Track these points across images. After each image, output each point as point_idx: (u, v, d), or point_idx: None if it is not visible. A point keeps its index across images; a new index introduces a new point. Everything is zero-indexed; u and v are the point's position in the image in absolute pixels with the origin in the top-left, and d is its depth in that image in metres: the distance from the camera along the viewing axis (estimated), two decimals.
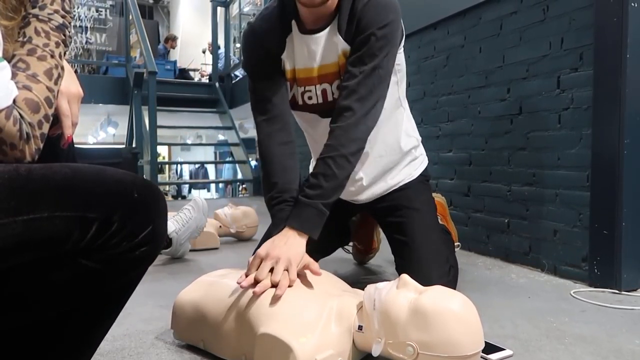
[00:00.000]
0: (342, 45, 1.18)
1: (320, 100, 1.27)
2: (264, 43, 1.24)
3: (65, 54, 0.74)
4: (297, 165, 1.23)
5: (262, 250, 1.01)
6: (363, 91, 1.13)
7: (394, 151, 1.37)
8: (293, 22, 1.22)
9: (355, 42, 1.15)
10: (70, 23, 0.75)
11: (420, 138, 1.49)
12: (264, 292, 0.93)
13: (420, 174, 1.43)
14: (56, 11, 0.72)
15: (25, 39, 0.69)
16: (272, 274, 0.96)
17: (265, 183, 1.21)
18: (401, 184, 1.39)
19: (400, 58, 1.28)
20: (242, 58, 1.28)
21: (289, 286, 0.95)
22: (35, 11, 0.71)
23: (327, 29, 1.19)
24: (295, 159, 1.23)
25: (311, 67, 1.24)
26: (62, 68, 0.73)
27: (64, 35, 0.73)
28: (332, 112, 1.22)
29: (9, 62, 0.68)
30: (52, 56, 0.70)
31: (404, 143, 1.38)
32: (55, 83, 0.70)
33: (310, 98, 1.28)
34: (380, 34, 1.13)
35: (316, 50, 1.21)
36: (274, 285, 0.94)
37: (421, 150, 1.48)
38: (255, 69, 1.27)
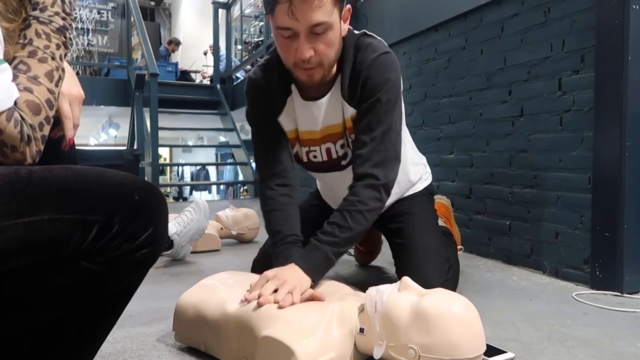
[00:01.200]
0: (349, 111, 1.19)
1: (325, 158, 1.30)
2: (264, 99, 1.25)
3: (66, 55, 0.74)
4: (299, 214, 1.25)
5: (269, 272, 1.02)
6: (377, 157, 1.14)
7: (405, 185, 1.42)
8: (293, 85, 1.23)
9: (362, 109, 1.17)
10: (71, 25, 0.75)
11: (424, 160, 1.53)
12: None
13: (425, 188, 1.48)
14: (57, 13, 0.72)
15: (25, 41, 0.69)
16: (276, 294, 0.95)
17: (268, 229, 1.23)
18: (405, 195, 1.43)
19: (402, 108, 1.30)
20: (246, 110, 1.30)
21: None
22: (36, 13, 0.71)
23: (329, 94, 1.21)
24: (296, 207, 1.26)
25: (314, 129, 1.26)
26: (63, 70, 0.73)
27: (65, 37, 0.73)
28: (336, 168, 1.28)
29: (9, 64, 0.68)
30: (53, 58, 0.70)
31: (412, 175, 1.43)
32: (56, 85, 0.70)
33: (315, 157, 1.31)
34: (385, 99, 1.14)
35: (319, 115, 1.23)
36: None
37: (427, 170, 1.53)
38: (258, 120, 1.28)
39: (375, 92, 1.14)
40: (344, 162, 1.30)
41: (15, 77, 0.66)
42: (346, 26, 1.14)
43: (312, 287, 1.04)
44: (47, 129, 0.68)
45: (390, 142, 1.16)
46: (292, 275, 1.01)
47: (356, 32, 1.19)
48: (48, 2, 0.72)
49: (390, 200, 1.39)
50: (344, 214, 1.12)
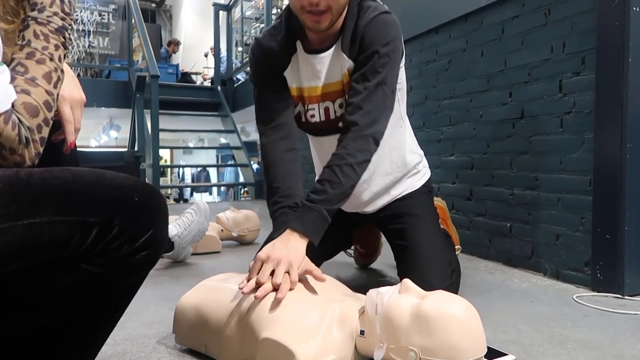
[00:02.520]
0: (347, 63, 1.21)
1: (323, 118, 1.29)
2: (269, 58, 1.27)
3: (65, 56, 0.73)
4: (301, 172, 1.24)
5: (262, 253, 1.01)
6: (368, 106, 1.15)
7: (399, 168, 1.40)
8: (298, 42, 1.25)
9: (359, 60, 1.18)
10: (70, 25, 0.74)
11: (422, 153, 1.52)
12: (265, 296, 0.93)
13: (423, 185, 1.46)
14: (55, 13, 0.72)
15: (24, 42, 0.69)
16: (273, 277, 0.96)
17: (269, 187, 1.23)
18: (403, 194, 1.41)
19: (401, 76, 1.31)
20: (249, 70, 1.31)
21: (290, 289, 0.95)
22: (34, 14, 0.71)
23: (332, 49, 1.22)
24: (298, 166, 1.25)
25: (316, 85, 1.26)
26: (62, 71, 0.72)
27: (64, 37, 0.72)
28: (333, 130, 1.27)
29: (8, 65, 0.67)
30: (51, 59, 0.70)
31: (408, 160, 1.41)
32: (55, 86, 0.70)
33: (312, 116, 1.30)
34: (383, 52, 1.15)
35: (321, 69, 1.24)
36: (276, 289, 0.94)
37: (424, 163, 1.51)
38: (261, 80, 1.29)
39: (373, 44, 1.16)
40: (340, 124, 1.29)
41: (12, 79, 0.66)
42: None
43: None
44: (45, 131, 0.67)
45: (383, 93, 1.16)
46: (286, 249, 1.00)
47: None
48: (46, 2, 0.72)
49: (387, 197, 1.39)
50: (334, 169, 1.12)
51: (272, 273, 0.97)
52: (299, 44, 1.25)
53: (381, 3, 1.22)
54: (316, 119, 1.30)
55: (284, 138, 1.25)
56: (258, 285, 0.96)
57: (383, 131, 1.18)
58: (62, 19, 0.73)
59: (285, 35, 1.25)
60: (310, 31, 1.19)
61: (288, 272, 0.97)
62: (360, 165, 1.14)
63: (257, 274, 0.98)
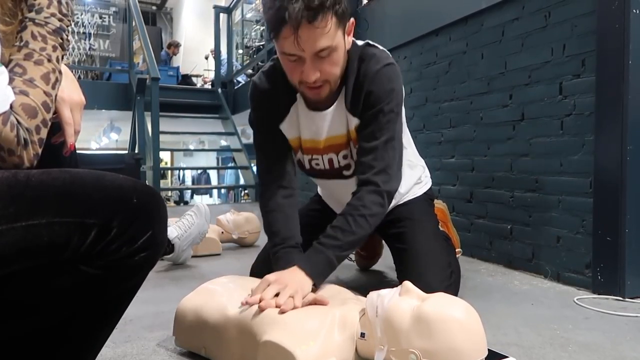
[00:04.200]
0: (353, 121, 1.21)
1: (327, 167, 1.31)
2: (268, 104, 1.26)
3: (63, 57, 0.73)
4: (298, 217, 1.25)
5: (270, 276, 1.02)
6: (380, 165, 1.16)
7: (402, 188, 1.39)
8: (298, 95, 1.23)
9: (364, 118, 1.18)
10: (68, 26, 0.74)
11: (424, 164, 1.53)
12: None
13: (424, 192, 1.48)
14: (53, 14, 0.72)
15: (22, 44, 0.69)
16: (278, 298, 0.95)
17: (268, 231, 1.24)
18: (404, 200, 1.43)
19: (402, 118, 1.31)
20: (250, 113, 1.32)
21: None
22: (32, 15, 0.70)
23: (334, 105, 1.22)
24: (296, 210, 1.26)
25: (318, 139, 1.27)
26: (60, 72, 0.72)
27: (62, 38, 0.72)
28: (338, 176, 1.29)
29: (6, 66, 0.67)
30: (49, 60, 0.70)
31: (409, 175, 1.43)
32: (53, 87, 0.70)
33: (317, 164, 1.32)
34: (388, 109, 1.16)
35: (323, 125, 1.24)
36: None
37: (426, 174, 1.53)
38: (260, 125, 1.30)
39: (378, 102, 1.16)
40: (346, 172, 1.30)
41: (11, 80, 0.65)
42: (350, 38, 1.15)
43: (313, 290, 1.04)
44: (44, 132, 0.67)
45: (393, 150, 1.18)
46: (293, 279, 1.01)
47: (359, 42, 1.20)
48: (44, 3, 0.72)
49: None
50: (347, 218, 1.13)
51: (276, 295, 0.97)
52: (299, 97, 1.23)
53: (382, 49, 1.20)
54: (320, 167, 1.32)
55: (284, 187, 1.26)
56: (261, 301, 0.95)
57: (397, 187, 1.20)
58: (60, 20, 0.73)
59: (282, 85, 1.22)
60: (311, 100, 1.20)
61: (292, 297, 0.96)
62: (373, 218, 1.15)
63: (261, 292, 0.98)
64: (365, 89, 1.16)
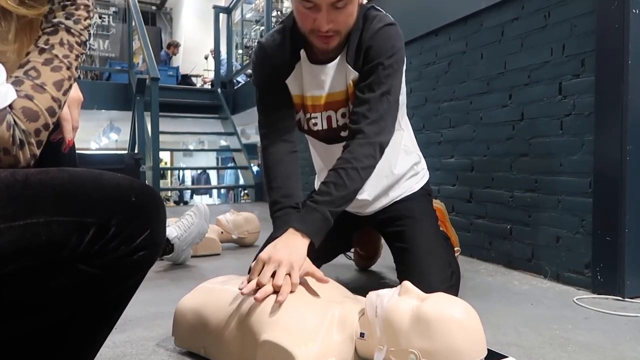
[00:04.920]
0: (351, 74, 1.22)
1: (325, 127, 1.31)
2: (272, 63, 1.27)
3: (77, 68, 0.74)
4: (299, 174, 1.25)
5: (264, 254, 1.01)
6: (374, 115, 1.16)
7: (396, 169, 1.40)
8: (302, 51, 1.25)
9: (364, 71, 1.19)
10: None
11: (421, 154, 1.52)
12: (265, 298, 0.92)
13: (422, 188, 1.46)
14: (86, 27, 0.73)
15: (46, 47, 0.69)
16: (274, 279, 0.95)
17: (269, 187, 1.24)
18: (402, 196, 1.42)
19: (402, 83, 1.31)
20: (252, 73, 1.32)
21: (291, 291, 0.95)
22: (69, 23, 0.71)
23: (337, 59, 1.23)
24: (298, 168, 1.26)
25: (319, 95, 1.27)
26: (75, 80, 0.73)
27: (84, 50, 0.74)
28: (335, 139, 1.29)
29: (22, 65, 0.67)
30: (69, 68, 0.70)
31: (404, 161, 1.42)
32: (64, 94, 0.70)
33: (315, 124, 1.31)
34: (388, 63, 1.17)
35: (325, 79, 1.25)
36: (276, 291, 0.94)
37: (423, 165, 1.51)
38: (263, 84, 1.30)
39: (378, 56, 1.17)
40: (343, 134, 1.29)
41: (20, 83, 0.65)
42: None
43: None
44: (44, 135, 0.67)
45: (388, 103, 1.18)
46: (287, 251, 1.00)
47: (365, 2, 1.22)
48: (82, 15, 0.73)
49: (380, 187, 1.39)
50: (339, 172, 1.13)
51: (273, 275, 0.97)
52: (303, 53, 1.25)
53: (385, 13, 1.23)
54: (318, 127, 1.31)
55: (285, 141, 1.26)
56: (258, 286, 0.95)
57: (388, 140, 1.20)
58: (88, 32, 0.74)
59: (289, 42, 1.25)
60: (318, 50, 1.21)
61: (289, 274, 0.96)
62: (365, 170, 1.15)
63: (258, 275, 0.98)
64: (366, 43, 1.18)
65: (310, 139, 1.40)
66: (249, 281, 0.98)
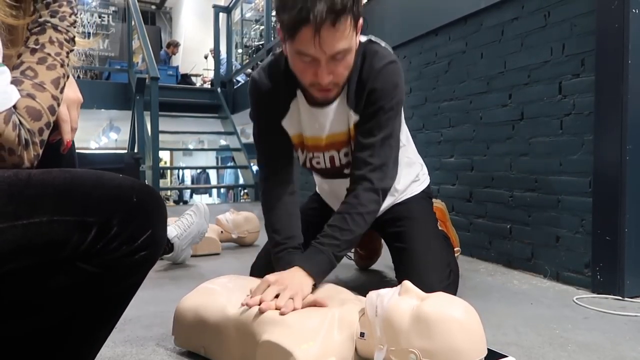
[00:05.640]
0: (353, 117, 1.20)
1: (328, 166, 1.30)
2: (268, 101, 1.24)
3: (68, 64, 0.74)
4: (299, 214, 1.25)
5: (270, 277, 1.01)
6: (376, 162, 1.16)
7: (399, 185, 1.40)
8: (298, 91, 1.22)
9: (365, 114, 1.18)
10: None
11: (422, 162, 1.53)
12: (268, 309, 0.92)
13: (422, 191, 1.47)
14: (72, 24, 0.74)
15: (37, 46, 0.70)
16: (278, 299, 0.95)
17: (270, 229, 1.23)
18: (403, 199, 1.43)
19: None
20: (250, 109, 1.33)
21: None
22: (55, 21, 0.72)
23: (336, 102, 1.20)
24: (297, 207, 1.26)
25: (319, 136, 1.26)
26: (68, 77, 0.73)
27: (73, 46, 0.74)
28: (339, 175, 1.29)
29: (16, 67, 0.68)
30: (62, 65, 0.71)
31: (407, 174, 1.43)
32: (61, 92, 0.71)
33: (318, 163, 1.31)
34: (389, 106, 1.16)
35: (325, 122, 1.23)
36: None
37: (424, 171, 1.52)
38: (260, 122, 1.28)
39: (379, 100, 1.15)
40: (346, 171, 1.29)
41: (20, 83, 0.66)
42: (359, 38, 1.14)
43: (313, 290, 1.04)
44: (46, 134, 0.68)
45: (389, 148, 1.18)
46: (293, 280, 1.01)
47: (362, 38, 1.19)
48: (67, 12, 0.73)
49: (385, 202, 1.39)
50: (344, 216, 1.13)
51: (276, 296, 0.96)
52: (299, 93, 1.22)
53: (384, 46, 1.20)
54: (321, 165, 1.31)
55: (285, 182, 1.25)
56: (261, 303, 0.95)
57: (392, 184, 1.21)
58: (74, 28, 0.74)
59: (283, 80, 1.21)
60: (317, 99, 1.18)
61: (292, 299, 0.96)
62: (370, 215, 1.16)
63: (261, 294, 0.97)
64: (368, 86, 1.15)
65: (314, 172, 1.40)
66: (251, 297, 0.98)
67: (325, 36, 1.00)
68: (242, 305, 0.96)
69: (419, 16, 2.40)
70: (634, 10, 1.42)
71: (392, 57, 1.18)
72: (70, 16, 0.73)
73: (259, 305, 0.93)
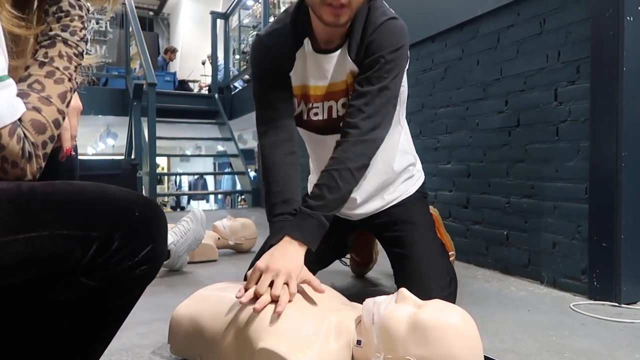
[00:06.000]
0: (350, 66, 1.20)
1: (325, 117, 1.29)
2: (272, 55, 1.25)
3: (77, 78, 0.75)
4: (299, 176, 1.24)
5: (261, 263, 1.00)
6: (370, 110, 1.14)
7: (390, 169, 1.38)
8: (306, 40, 1.23)
9: (364, 64, 1.17)
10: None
11: (417, 156, 1.51)
12: (264, 308, 0.92)
13: (417, 190, 1.44)
14: (82, 38, 0.74)
15: (46, 60, 0.70)
16: (272, 288, 0.95)
17: (268, 190, 1.21)
18: (398, 200, 1.40)
19: (403, 80, 1.31)
20: (250, 68, 1.29)
21: (289, 301, 0.94)
22: (66, 35, 0.72)
23: (340, 50, 1.21)
24: (297, 169, 1.24)
25: (322, 84, 1.25)
26: (75, 90, 0.74)
27: (81, 61, 0.75)
28: (335, 129, 1.25)
29: (24, 79, 0.68)
30: (70, 80, 0.71)
31: (400, 161, 1.40)
32: (67, 105, 0.71)
33: (316, 114, 1.30)
34: (389, 58, 1.15)
35: (328, 69, 1.23)
36: (274, 300, 0.94)
37: (418, 167, 1.50)
38: (263, 78, 1.27)
39: (379, 50, 1.15)
40: (342, 124, 1.29)
41: (27, 95, 0.66)
42: None
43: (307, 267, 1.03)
44: (49, 147, 0.68)
45: (386, 98, 1.16)
46: (285, 259, 1.00)
47: None
48: (78, 26, 0.73)
49: (379, 203, 1.39)
50: (332, 173, 1.11)
51: (271, 284, 0.96)
52: (307, 42, 1.23)
53: (388, 7, 1.22)
54: (319, 117, 1.29)
55: (285, 140, 1.23)
56: (256, 295, 0.95)
57: (384, 136, 1.18)
58: (85, 43, 0.75)
59: (291, 32, 1.22)
60: (327, 26, 1.16)
61: (287, 284, 0.96)
62: (358, 170, 1.13)
63: (255, 284, 0.97)
64: (367, 38, 1.16)
65: (305, 133, 1.37)
66: (246, 290, 0.97)
67: None
68: (238, 299, 0.95)
69: (416, 23, 2.41)
70: (628, 18, 1.43)
71: (394, 15, 1.19)
72: (80, 31, 0.74)
73: (253, 301, 0.92)
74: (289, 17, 1.24)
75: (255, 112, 1.30)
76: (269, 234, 1.16)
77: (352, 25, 1.18)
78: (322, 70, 1.24)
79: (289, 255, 1.02)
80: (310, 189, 1.53)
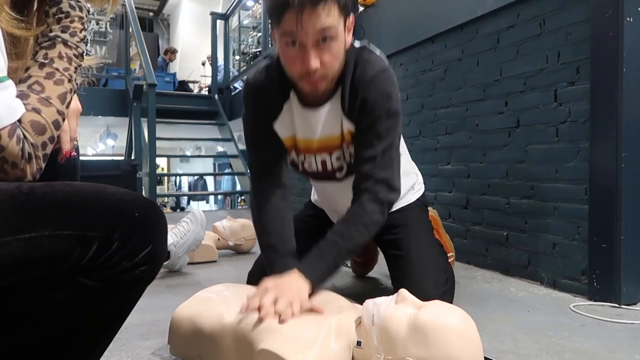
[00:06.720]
0: (346, 124, 1.20)
1: (320, 169, 1.30)
2: (262, 102, 1.24)
3: (77, 79, 0.75)
4: (292, 218, 1.24)
5: (269, 282, 1.01)
6: (380, 174, 1.15)
7: None
8: (292, 92, 1.22)
9: (362, 124, 1.17)
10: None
11: (417, 171, 1.53)
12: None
13: (418, 199, 1.47)
14: (82, 39, 0.74)
15: (46, 61, 0.70)
16: (277, 305, 0.94)
17: (263, 233, 1.22)
18: (398, 207, 1.42)
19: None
20: (242, 113, 1.30)
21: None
22: (66, 36, 0.72)
23: (328, 104, 1.20)
24: (290, 211, 1.25)
25: (312, 138, 1.25)
26: (75, 92, 0.74)
27: (81, 62, 0.75)
28: (332, 178, 1.28)
29: (24, 80, 0.68)
30: (70, 80, 0.71)
31: (404, 182, 1.41)
32: (67, 106, 0.71)
33: (309, 166, 1.31)
34: (386, 116, 1.15)
35: (317, 124, 1.23)
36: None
37: (420, 181, 1.53)
38: (253, 124, 1.27)
39: (374, 110, 1.14)
40: (339, 175, 1.30)
41: (26, 97, 0.66)
42: (350, 37, 1.14)
43: (310, 296, 1.03)
44: (49, 148, 0.68)
45: (391, 159, 1.17)
46: (291, 285, 1.00)
47: (357, 44, 1.19)
48: (78, 27, 0.73)
49: None
50: (348, 225, 1.13)
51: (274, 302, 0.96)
52: (292, 94, 1.22)
53: (378, 54, 1.20)
54: (313, 168, 1.31)
55: (278, 186, 1.24)
56: (259, 309, 0.94)
57: (397, 197, 1.19)
58: (85, 44, 0.75)
59: (277, 80, 1.20)
60: (308, 94, 1.18)
61: (291, 305, 0.95)
62: (373, 226, 1.15)
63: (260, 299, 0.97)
64: (360, 95, 1.15)
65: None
66: (249, 301, 0.97)
67: (307, 17, 1.01)
68: (241, 311, 0.95)
69: (416, 24, 2.41)
70: (628, 19, 1.44)
71: (383, 65, 1.17)
72: (80, 32, 0.74)
73: (258, 310, 0.93)
74: (274, 66, 1.21)
75: (247, 155, 1.30)
76: (268, 272, 1.13)
77: (342, 79, 1.16)
78: (310, 126, 1.23)
79: (295, 285, 1.02)
80: (312, 198, 1.55)
